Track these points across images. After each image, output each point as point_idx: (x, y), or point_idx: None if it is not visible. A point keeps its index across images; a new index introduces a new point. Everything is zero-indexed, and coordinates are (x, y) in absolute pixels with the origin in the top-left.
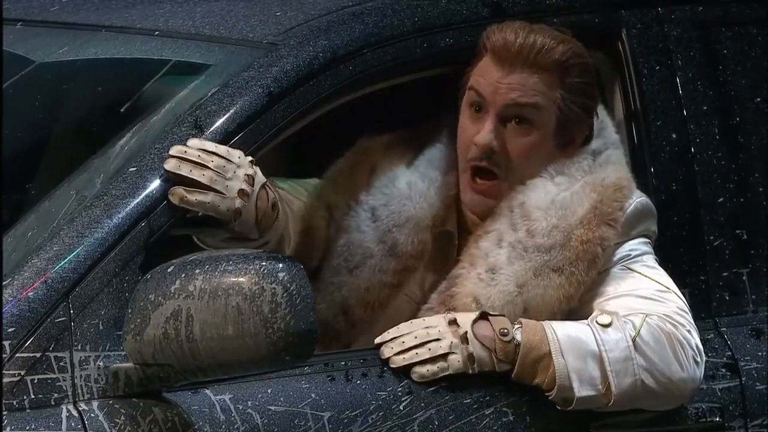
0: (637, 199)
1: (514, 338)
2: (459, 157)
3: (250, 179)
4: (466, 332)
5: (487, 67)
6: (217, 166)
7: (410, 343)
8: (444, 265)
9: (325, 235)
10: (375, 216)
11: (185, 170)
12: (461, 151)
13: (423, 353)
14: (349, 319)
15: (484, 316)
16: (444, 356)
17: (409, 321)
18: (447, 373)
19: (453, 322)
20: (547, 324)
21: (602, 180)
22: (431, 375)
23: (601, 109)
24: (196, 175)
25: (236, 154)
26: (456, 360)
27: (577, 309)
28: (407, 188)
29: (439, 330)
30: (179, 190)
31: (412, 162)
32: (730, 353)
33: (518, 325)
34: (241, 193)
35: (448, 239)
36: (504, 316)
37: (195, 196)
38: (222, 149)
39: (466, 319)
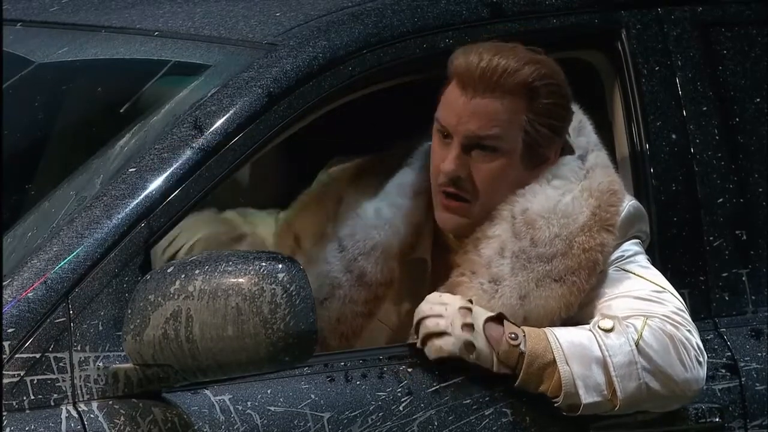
0: (629, 202)
1: (521, 345)
2: (431, 180)
3: None
4: (472, 323)
5: (453, 93)
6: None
7: (417, 318)
8: (416, 292)
9: None
10: (342, 246)
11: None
12: (432, 175)
13: (422, 330)
14: (326, 351)
15: (500, 319)
16: (439, 335)
17: (428, 295)
18: (441, 355)
19: (466, 310)
20: (549, 331)
21: (598, 185)
22: (428, 356)
23: (578, 110)
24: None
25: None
26: (450, 343)
27: (574, 312)
28: (374, 216)
29: (447, 309)
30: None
31: (380, 189)
32: (729, 354)
33: (522, 334)
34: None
35: (421, 266)
36: (517, 326)
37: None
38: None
39: (480, 312)
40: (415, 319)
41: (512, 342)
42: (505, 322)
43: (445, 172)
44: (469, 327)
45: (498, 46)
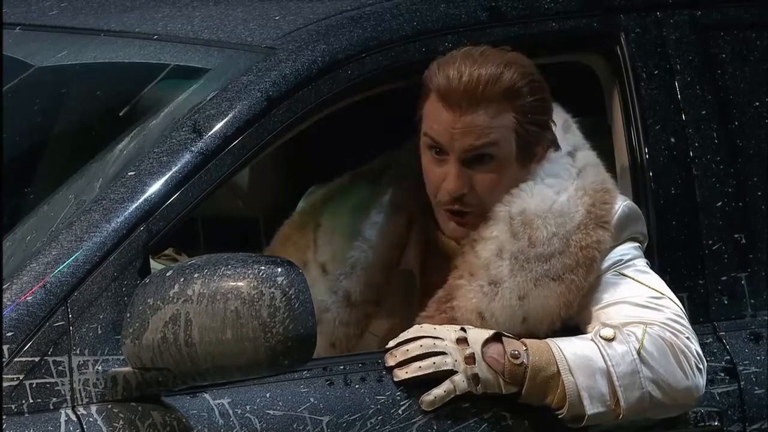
0: (623, 202)
1: (524, 361)
2: (429, 195)
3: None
4: (473, 353)
5: (437, 110)
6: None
7: (414, 351)
8: (407, 303)
9: None
10: (325, 270)
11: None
12: (430, 192)
13: (427, 366)
14: None
15: (498, 337)
16: (449, 373)
17: (418, 326)
18: (454, 395)
19: (462, 341)
20: (552, 342)
21: (591, 183)
22: (440, 401)
23: (559, 109)
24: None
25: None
26: (461, 380)
27: (572, 315)
28: (351, 236)
29: (447, 345)
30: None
31: (356, 208)
32: (728, 357)
33: (524, 347)
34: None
35: (409, 278)
36: (517, 339)
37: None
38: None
39: (477, 338)
40: (412, 352)
41: (515, 361)
42: (504, 339)
43: (450, 191)
44: (471, 358)
45: (470, 55)
